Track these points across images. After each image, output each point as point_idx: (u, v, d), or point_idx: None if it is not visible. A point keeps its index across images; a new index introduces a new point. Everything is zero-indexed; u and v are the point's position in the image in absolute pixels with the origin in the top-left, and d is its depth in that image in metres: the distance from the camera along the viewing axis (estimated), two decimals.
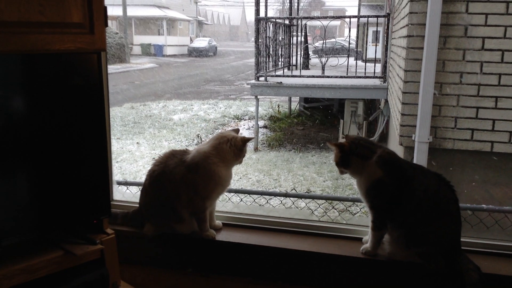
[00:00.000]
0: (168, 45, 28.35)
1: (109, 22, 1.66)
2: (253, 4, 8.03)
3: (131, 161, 7.50)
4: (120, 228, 2.11)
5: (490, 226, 2.35)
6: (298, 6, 11.77)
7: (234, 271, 2.15)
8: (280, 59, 9.26)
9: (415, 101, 3.56)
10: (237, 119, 10.91)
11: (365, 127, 8.22)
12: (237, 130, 2.09)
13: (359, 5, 17.02)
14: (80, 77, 1.63)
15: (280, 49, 9.25)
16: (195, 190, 1.95)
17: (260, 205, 3.63)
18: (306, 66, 10.65)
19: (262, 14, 8.12)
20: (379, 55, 8.20)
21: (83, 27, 1.54)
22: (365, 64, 8.49)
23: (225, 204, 2.74)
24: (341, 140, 1.91)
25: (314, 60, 10.46)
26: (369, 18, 8.44)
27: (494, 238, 2.00)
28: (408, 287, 1.93)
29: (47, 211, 1.63)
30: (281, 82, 7.93)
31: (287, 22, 9.62)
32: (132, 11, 26.88)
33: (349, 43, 9.31)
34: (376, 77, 7.77)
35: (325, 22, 8.65)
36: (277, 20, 8.97)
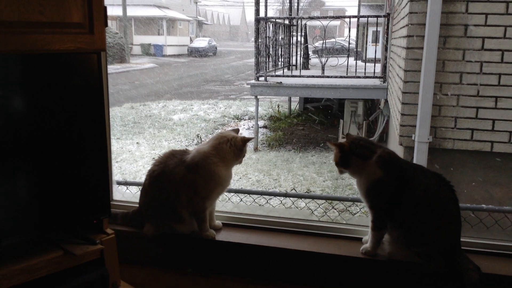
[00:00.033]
0: (168, 45, 28.36)
1: (109, 22, 1.66)
2: (253, 4, 8.03)
3: (131, 161, 7.50)
4: (120, 228, 2.11)
5: (490, 226, 2.35)
6: (298, 6, 11.77)
7: (234, 271, 2.15)
8: (280, 59, 9.26)
9: (415, 101, 3.56)
10: (237, 119, 10.91)
11: (365, 127, 8.22)
12: (237, 130, 2.09)
13: (359, 5, 17.03)
14: (80, 77, 1.63)
15: (280, 49, 9.25)
16: (195, 190, 1.95)
17: (260, 205, 3.63)
18: (306, 66, 10.65)
19: (262, 14, 8.12)
20: (379, 55, 8.20)
21: (83, 27, 1.54)
22: (365, 64, 8.50)
23: (225, 204, 2.74)
24: (341, 139, 1.91)
25: (314, 60, 10.47)
26: (369, 18, 8.44)
27: (494, 238, 2.00)
28: (408, 287, 1.93)
29: (47, 211, 1.63)
30: (281, 82, 7.93)
31: (287, 22, 9.62)
32: (132, 11, 26.89)
33: (349, 43, 9.30)
34: (376, 77, 7.77)
35: (325, 22, 8.65)
36: (277, 20, 8.97)
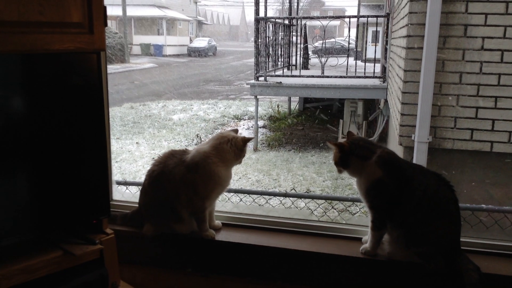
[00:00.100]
0: (167, 45, 28.33)
1: (109, 22, 1.66)
2: (253, 4, 8.03)
3: (130, 161, 7.50)
4: (120, 228, 2.11)
5: (489, 226, 2.36)
6: (297, 6, 11.76)
7: (233, 271, 2.14)
8: (279, 59, 9.26)
9: (414, 101, 3.56)
10: (237, 119, 10.91)
11: (365, 127, 8.22)
12: (236, 131, 2.09)
13: (359, 5, 17.02)
14: (79, 77, 1.63)
15: (279, 49, 9.25)
16: (194, 190, 1.95)
17: (259, 205, 3.63)
18: (305, 66, 10.64)
19: (261, 14, 8.12)
20: (378, 55, 8.19)
21: (82, 27, 1.54)
22: (365, 64, 8.49)
23: (225, 204, 2.74)
24: (341, 139, 1.91)
25: (313, 60, 10.46)
26: (369, 18, 8.44)
27: (494, 238, 2.00)
28: (408, 287, 1.93)
29: (46, 211, 1.63)
30: (280, 82, 7.93)
31: (286, 22, 9.62)
32: (131, 11, 26.86)
33: (349, 43, 9.30)
34: (376, 77, 7.77)
35: (324, 22, 8.65)
36: (276, 20, 8.97)
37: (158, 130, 9.75)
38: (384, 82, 7.30)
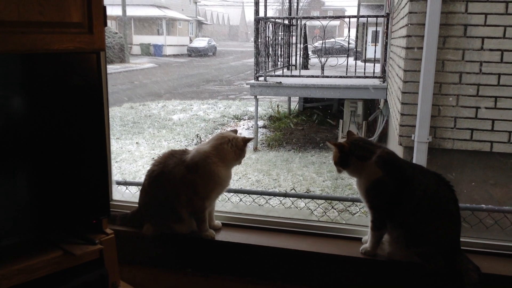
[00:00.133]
0: (167, 45, 28.36)
1: (109, 22, 1.66)
2: (253, 4, 8.03)
3: (130, 161, 7.50)
4: (120, 228, 2.11)
5: (489, 226, 2.36)
6: (297, 6, 11.77)
7: (233, 271, 2.14)
8: (279, 59, 9.26)
9: (414, 101, 3.56)
10: (237, 119, 10.91)
11: (365, 127, 8.22)
12: (235, 131, 2.09)
13: (359, 5, 17.04)
14: (79, 77, 1.63)
15: (279, 49, 9.25)
16: (194, 190, 1.95)
17: (259, 205, 3.64)
18: (305, 66, 10.64)
19: (261, 14, 8.12)
20: (378, 55, 8.19)
21: (82, 27, 1.54)
22: (365, 64, 8.49)
23: (225, 204, 2.74)
24: (341, 139, 1.91)
25: (313, 60, 10.46)
26: (369, 18, 8.45)
27: (494, 238, 2.00)
28: (408, 287, 1.93)
29: (46, 211, 1.63)
30: (280, 82, 7.93)
31: (286, 22, 9.62)
32: (131, 11, 26.87)
33: (349, 43, 9.31)
34: (376, 77, 7.77)
35: (324, 22, 8.65)
36: (276, 20, 8.97)
37: (158, 130, 9.75)
38: (384, 82, 7.30)
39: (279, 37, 9.16)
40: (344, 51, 10.43)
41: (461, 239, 1.81)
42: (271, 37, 8.54)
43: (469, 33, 3.43)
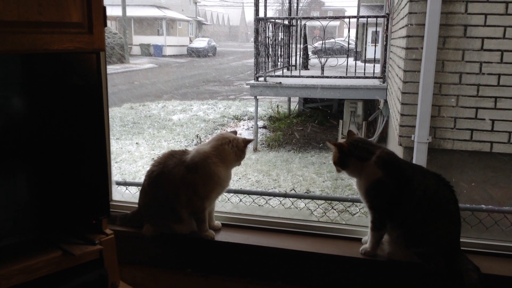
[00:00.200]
0: (167, 46, 28.35)
1: (109, 22, 1.66)
2: (253, 4, 8.03)
3: (130, 162, 7.50)
4: (119, 229, 2.11)
5: (489, 226, 2.35)
6: (297, 6, 11.77)
7: (233, 271, 2.14)
8: (279, 60, 9.26)
9: (414, 102, 3.56)
10: (237, 120, 10.91)
11: (365, 127, 8.22)
12: (235, 132, 2.10)
13: (359, 5, 17.04)
14: (79, 77, 1.63)
15: (279, 50, 9.25)
16: (194, 190, 1.95)
17: (259, 205, 3.63)
18: (305, 66, 10.65)
19: (261, 14, 8.12)
20: (378, 56, 8.20)
21: (82, 27, 1.54)
22: (365, 64, 8.49)
23: (225, 204, 2.74)
24: (341, 139, 1.91)
25: (313, 60, 10.46)
26: (369, 19, 8.45)
27: (494, 238, 2.00)
28: (408, 287, 1.93)
29: (46, 211, 1.63)
30: (280, 83, 7.93)
31: (286, 22, 9.62)
32: (131, 11, 26.86)
33: (349, 43, 9.31)
34: (376, 78, 7.77)
35: (324, 23, 8.65)
36: (276, 20, 8.97)
37: (158, 131, 9.75)
38: (383, 82, 7.31)
39: (279, 38, 9.16)
40: (344, 52, 10.44)
41: (461, 239, 1.81)
42: (271, 38, 8.54)
43: (469, 33, 3.43)
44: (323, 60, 8.30)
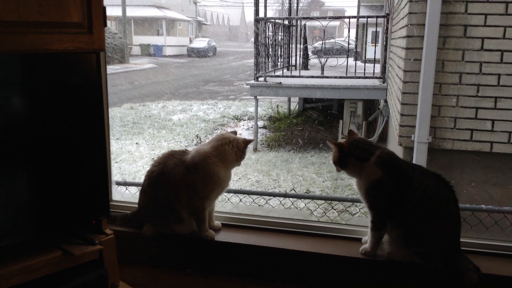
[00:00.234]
0: (167, 46, 28.32)
1: (109, 22, 1.66)
2: (253, 4, 8.03)
3: (130, 162, 7.50)
4: (119, 229, 2.11)
5: (489, 226, 2.35)
6: (297, 6, 11.77)
7: (233, 271, 2.14)
8: (279, 60, 9.26)
9: (414, 102, 3.56)
10: (237, 120, 10.90)
11: (365, 127, 8.21)
12: (235, 133, 2.10)
13: (359, 5, 17.02)
14: (79, 77, 1.63)
15: (279, 50, 9.25)
16: (194, 190, 1.95)
17: (259, 205, 3.63)
18: (305, 66, 10.65)
19: (261, 15, 8.12)
20: (378, 56, 8.19)
21: (82, 27, 1.54)
22: (365, 64, 8.50)
23: (224, 204, 2.74)
24: (341, 139, 1.91)
25: (313, 60, 10.46)
26: (369, 19, 8.44)
27: (494, 238, 2.00)
28: (408, 287, 1.93)
29: (46, 211, 1.63)
30: (280, 83, 7.93)
31: (286, 22, 9.62)
32: (131, 12, 26.85)
33: (349, 44, 9.30)
34: (376, 78, 7.78)
35: (324, 23, 8.65)
36: (276, 20, 8.97)
37: (158, 131, 9.75)
38: (383, 82, 7.31)
39: (279, 38, 9.16)
40: (344, 52, 10.42)
41: (461, 239, 1.81)
42: (271, 38, 8.54)
43: (469, 33, 3.43)
44: (323, 60, 8.30)
